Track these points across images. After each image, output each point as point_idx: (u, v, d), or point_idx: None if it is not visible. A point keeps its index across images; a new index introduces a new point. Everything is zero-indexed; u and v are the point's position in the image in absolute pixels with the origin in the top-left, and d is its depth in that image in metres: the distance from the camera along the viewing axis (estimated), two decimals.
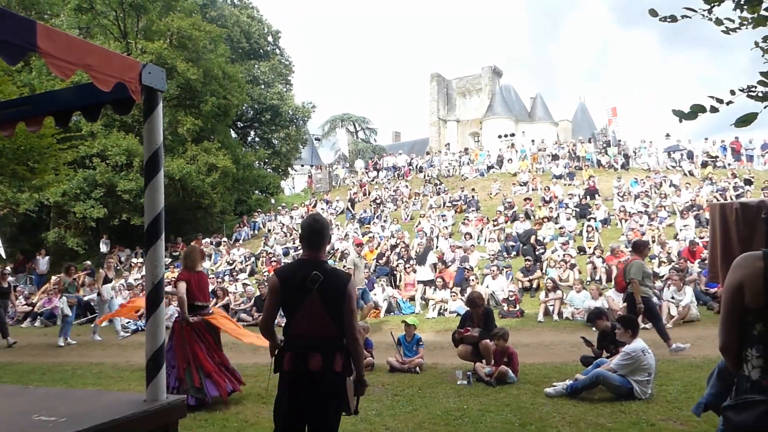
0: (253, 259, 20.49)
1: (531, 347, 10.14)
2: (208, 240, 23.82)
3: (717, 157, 25.80)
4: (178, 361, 6.54)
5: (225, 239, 24.23)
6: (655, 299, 11.80)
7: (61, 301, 13.65)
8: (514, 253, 17.43)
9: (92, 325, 14.05)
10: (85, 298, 15.91)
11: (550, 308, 12.97)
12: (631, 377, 6.36)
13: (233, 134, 35.94)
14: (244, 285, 16.37)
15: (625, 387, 6.36)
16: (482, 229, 19.64)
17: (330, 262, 10.14)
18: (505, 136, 43.76)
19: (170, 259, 20.60)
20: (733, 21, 4.00)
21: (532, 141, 34.38)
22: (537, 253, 16.40)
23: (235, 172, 27.64)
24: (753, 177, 21.84)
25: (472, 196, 24.02)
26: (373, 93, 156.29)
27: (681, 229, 16.62)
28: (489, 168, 30.09)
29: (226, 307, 15.00)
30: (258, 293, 15.13)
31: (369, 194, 28.84)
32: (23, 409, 3.61)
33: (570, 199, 21.64)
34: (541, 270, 15.28)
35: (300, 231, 3.95)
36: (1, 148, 10.41)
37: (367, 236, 20.63)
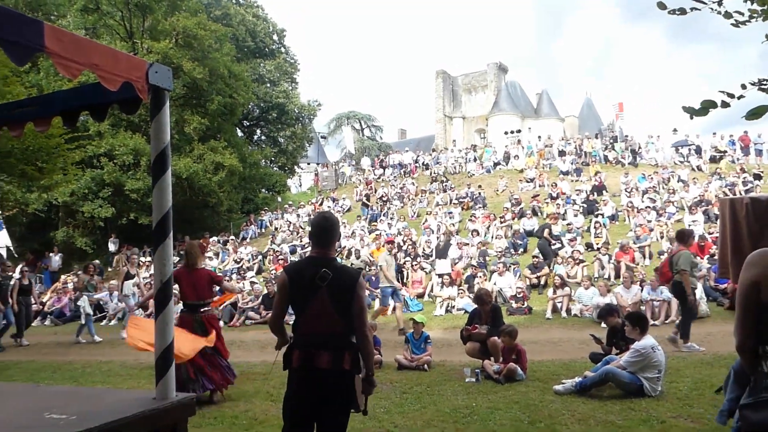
0: (260, 257, 20.52)
1: (539, 344, 10.11)
2: (215, 238, 23.88)
3: (725, 151, 25.65)
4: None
5: (232, 238, 24.27)
6: (667, 294, 11.79)
7: (82, 299, 13.72)
8: (521, 249, 17.39)
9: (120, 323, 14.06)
10: (95, 297, 15.95)
11: (559, 305, 12.93)
12: (640, 374, 6.33)
13: (239, 133, 36.01)
14: (252, 283, 16.38)
15: (634, 384, 6.32)
16: (489, 226, 19.61)
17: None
18: (512, 132, 43.64)
19: (178, 258, 20.65)
20: (742, 14, 3.97)
21: (539, 137, 34.30)
22: (552, 247, 16.31)
23: (241, 171, 27.69)
24: (762, 172, 21.68)
25: (479, 193, 23.97)
26: (379, 90, 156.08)
27: (689, 225, 16.51)
28: (495, 165, 30.03)
29: (234, 305, 15.04)
30: (265, 291, 15.14)
31: (375, 192, 28.84)
32: (34, 407, 3.63)
33: (577, 195, 21.56)
34: (553, 264, 15.11)
35: (309, 228, 3.95)
36: (10, 149, 10.47)
37: (374, 234, 20.63)
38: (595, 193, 21.72)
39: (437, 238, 18.92)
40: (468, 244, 17.61)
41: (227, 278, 17.61)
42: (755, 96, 3.59)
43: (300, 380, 3.44)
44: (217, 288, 7.86)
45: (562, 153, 28.96)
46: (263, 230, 26.25)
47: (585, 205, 20.15)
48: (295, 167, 41.65)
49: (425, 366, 8.43)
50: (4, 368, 10.21)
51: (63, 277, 20.17)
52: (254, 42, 37.40)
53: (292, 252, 20.26)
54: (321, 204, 27.91)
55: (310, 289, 3.41)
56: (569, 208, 19.79)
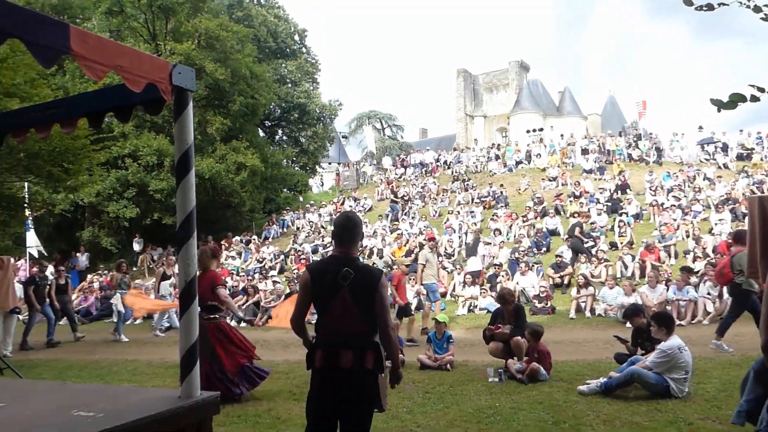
0: (282, 256, 20.63)
1: (563, 344, 10.01)
2: (238, 238, 24.07)
3: (753, 149, 25.19)
4: None
5: (254, 237, 24.44)
6: (693, 294, 11.61)
7: (115, 297, 13.92)
8: (544, 249, 17.26)
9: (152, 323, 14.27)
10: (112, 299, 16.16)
11: (582, 305, 12.81)
12: (667, 375, 6.23)
13: (261, 133, 36.21)
14: (274, 282, 16.49)
15: (661, 385, 6.23)
16: (511, 225, 19.49)
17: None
18: (534, 130, 43.32)
19: None
20: None
21: (561, 135, 34.01)
22: (585, 245, 16.15)
23: (263, 171, 27.85)
24: None
25: (501, 192, 23.85)
26: (400, 90, 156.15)
27: (716, 224, 16.26)
28: (517, 163, 29.84)
29: (256, 304, 15.14)
30: (288, 290, 15.22)
31: (397, 191, 28.83)
32: (62, 404, 3.67)
33: (601, 193, 21.33)
34: (586, 262, 14.95)
35: (332, 228, 3.95)
36: (37, 150, 10.62)
37: (395, 233, 20.62)
38: (619, 192, 21.47)
39: (459, 237, 18.87)
40: (490, 243, 17.51)
41: (249, 277, 17.73)
42: None
43: (323, 380, 3.45)
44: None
45: (585, 151, 28.68)
46: (285, 230, 26.39)
47: (609, 204, 19.94)
48: (317, 167, 41.78)
49: (448, 366, 8.39)
50: (32, 366, 10.38)
51: (89, 276, 20.46)
52: (276, 42, 37.59)
53: (314, 251, 20.33)
54: (342, 204, 27.97)
55: (332, 288, 3.41)
56: (592, 206, 19.60)
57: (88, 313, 16.85)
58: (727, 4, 3.79)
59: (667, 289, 11.95)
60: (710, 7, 3.87)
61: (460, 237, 19.15)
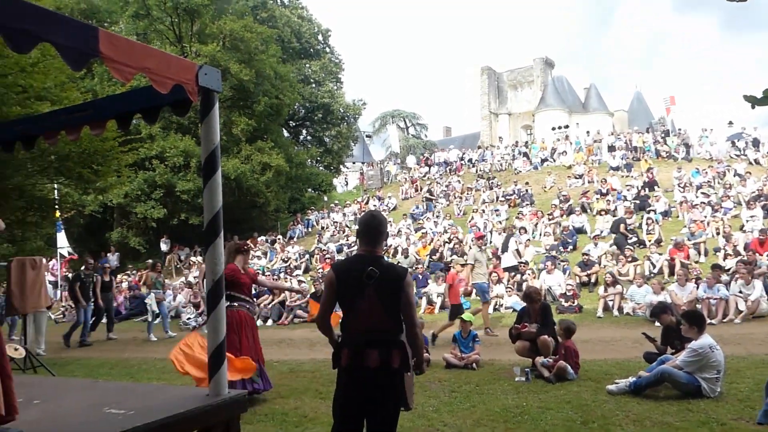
0: (307, 256, 20.72)
1: (590, 343, 9.89)
2: (263, 238, 24.23)
3: None
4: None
5: (280, 237, 24.60)
6: (724, 292, 11.39)
7: (149, 297, 14.12)
8: (570, 247, 17.07)
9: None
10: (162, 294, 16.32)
11: (610, 303, 12.64)
12: (698, 374, 6.11)
13: (286, 133, 36.46)
14: (299, 282, 16.55)
15: (692, 385, 6.11)
16: (537, 223, 19.32)
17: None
18: (559, 128, 42.92)
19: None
20: None
21: (587, 132, 33.63)
22: (630, 241, 15.86)
23: (288, 171, 28.02)
24: None
25: (526, 190, 23.66)
26: (424, 88, 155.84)
27: (747, 221, 15.92)
28: (543, 161, 29.58)
29: (282, 303, 15.22)
30: (313, 290, 15.28)
31: (420, 190, 28.79)
32: (94, 402, 3.74)
33: (628, 191, 21.04)
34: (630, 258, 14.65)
35: (357, 227, 3.95)
36: (67, 153, 10.81)
37: (420, 232, 20.58)
38: (647, 189, 21.14)
39: (485, 235, 18.78)
40: (515, 241, 17.37)
41: (275, 277, 17.86)
42: None
43: (349, 379, 3.45)
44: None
45: (611, 148, 28.30)
46: (310, 229, 26.50)
47: (636, 201, 19.65)
48: (341, 166, 41.92)
49: (474, 365, 8.35)
50: (64, 364, 10.59)
51: (119, 276, 20.78)
52: (299, 43, 37.78)
53: (339, 251, 20.39)
54: (367, 203, 28.01)
55: (357, 287, 3.41)
56: (619, 204, 19.34)
57: (117, 313, 17.10)
58: None
59: (697, 288, 11.74)
60: None
61: (484, 236, 19.03)
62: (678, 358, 6.44)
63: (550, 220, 19.22)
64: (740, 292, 11.40)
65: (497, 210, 21.81)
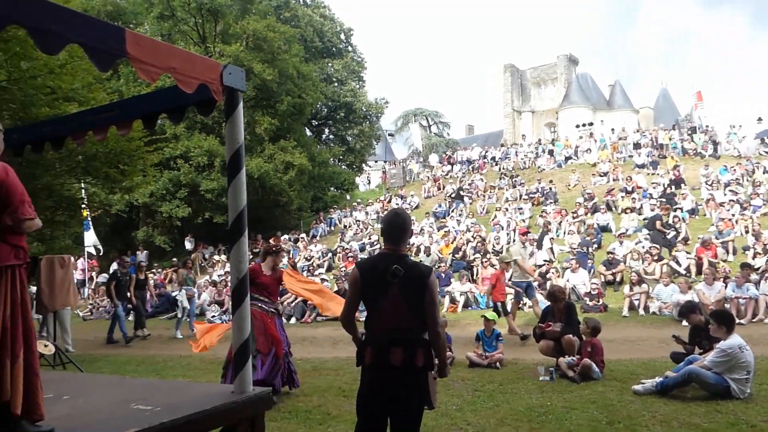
0: (330, 254, 20.79)
1: (616, 343, 9.77)
2: (286, 237, 24.36)
3: None
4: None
5: (302, 236, 24.72)
6: (754, 291, 11.18)
7: (180, 294, 14.28)
8: (595, 245, 16.88)
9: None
10: (173, 294, 16.53)
11: (636, 302, 12.48)
12: (727, 375, 6.00)
13: (308, 132, 36.58)
14: (322, 280, 16.60)
15: (720, 385, 6.01)
16: (561, 221, 19.15)
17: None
18: (583, 125, 42.44)
19: (251, 256, 21.20)
20: None
21: (612, 130, 33.23)
22: (667, 237, 15.58)
23: (311, 170, 28.13)
24: None
25: (550, 188, 23.47)
26: (446, 87, 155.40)
27: None
28: (567, 159, 29.31)
29: (305, 301, 15.27)
30: (336, 288, 15.31)
31: (443, 188, 28.71)
32: (122, 398, 3.79)
33: (654, 188, 20.75)
34: (672, 252, 14.39)
35: (380, 225, 3.94)
36: (94, 153, 10.97)
37: (443, 231, 20.53)
38: (673, 187, 20.83)
39: (507, 234, 18.68)
40: (551, 239, 17.25)
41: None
42: None
43: (373, 377, 3.45)
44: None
45: (637, 145, 27.95)
46: (333, 228, 26.59)
47: (663, 200, 19.37)
48: (363, 165, 41.95)
49: (497, 364, 8.31)
50: (92, 361, 10.77)
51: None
52: (322, 42, 37.89)
53: (362, 249, 20.42)
54: (389, 201, 28.01)
55: (381, 285, 3.40)
56: (645, 202, 19.08)
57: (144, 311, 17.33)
58: None
59: (726, 287, 11.54)
60: None
61: (508, 234, 18.93)
62: (706, 358, 6.34)
63: (574, 218, 19.04)
64: None
65: (520, 208, 21.66)
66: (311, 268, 18.80)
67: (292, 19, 34.97)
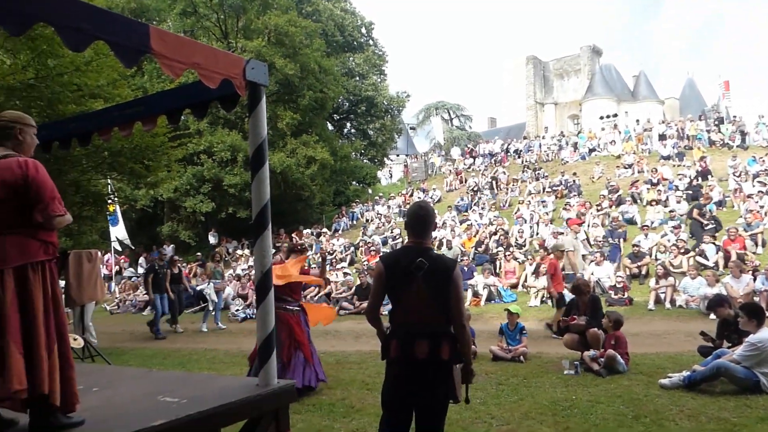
0: (352, 248, 20.83)
1: (641, 336, 9.68)
2: (308, 231, 24.47)
3: None
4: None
5: (325, 230, 24.79)
6: None
7: (209, 287, 14.41)
8: (620, 238, 16.67)
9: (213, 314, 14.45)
10: (198, 288, 16.70)
11: (662, 296, 12.32)
12: (757, 369, 5.90)
13: (330, 127, 36.63)
14: (345, 274, 16.67)
15: (750, 380, 5.91)
16: (585, 214, 18.96)
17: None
18: (607, 117, 41.89)
19: (273, 250, 21.32)
20: None
21: (637, 121, 32.77)
22: (706, 227, 15.28)
23: (332, 164, 28.18)
24: None
25: (573, 181, 23.23)
26: (468, 79, 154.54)
27: None
28: (591, 151, 28.98)
29: (328, 295, 15.37)
30: (358, 282, 15.37)
31: (465, 182, 28.58)
32: (149, 390, 3.85)
33: (680, 180, 20.43)
34: (708, 243, 14.09)
35: (405, 218, 3.94)
36: (119, 149, 11.12)
37: (465, 224, 20.45)
38: (700, 178, 20.49)
39: (531, 227, 18.55)
40: (563, 233, 17.08)
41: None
42: None
43: (398, 370, 3.45)
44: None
45: (662, 137, 27.50)
46: (355, 222, 26.63)
47: (689, 191, 19.06)
48: (385, 159, 41.92)
49: (521, 357, 8.27)
50: (119, 354, 10.94)
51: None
52: (343, 36, 37.85)
53: (384, 243, 20.43)
54: (411, 195, 27.96)
55: (406, 278, 3.39)
56: (671, 194, 18.81)
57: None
58: None
59: (755, 279, 11.33)
60: None
61: (531, 227, 18.80)
62: (735, 352, 6.24)
63: (598, 210, 18.83)
64: None
65: (544, 201, 21.48)
66: (334, 262, 18.86)
67: (313, 13, 34.99)
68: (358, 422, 5.62)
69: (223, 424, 3.55)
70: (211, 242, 25.18)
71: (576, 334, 7.98)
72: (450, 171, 31.98)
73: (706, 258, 13.79)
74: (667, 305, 12.09)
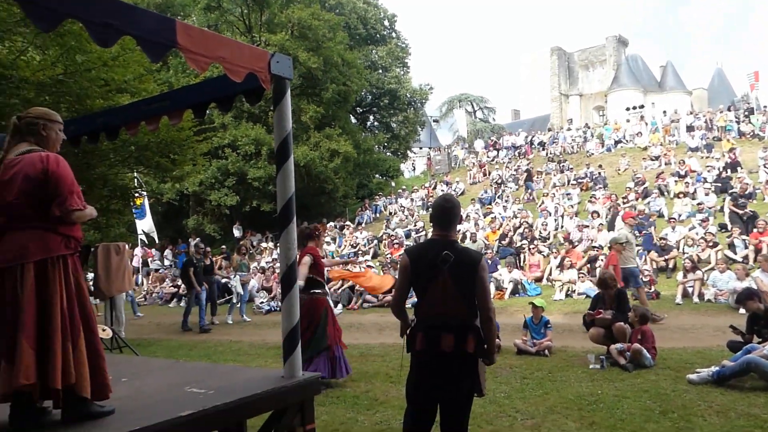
0: (375, 241, 20.86)
1: (669, 331, 9.55)
2: (332, 224, 24.55)
3: None
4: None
5: (348, 223, 24.86)
6: None
7: (235, 279, 14.57)
8: (646, 231, 16.44)
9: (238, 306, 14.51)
10: (222, 281, 16.83)
11: (689, 290, 12.13)
12: None
13: (353, 120, 36.70)
14: (368, 267, 16.69)
15: None
16: (610, 207, 18.72)
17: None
18: (633, 108, 41.32)
19: None
20: None
21: (664, 112, 32.27)
22: (744, 218, 14.79)
23: (356, 157, 28.25)
24: None
25: (599, 173, 22.96)
26: (491, 71, 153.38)
27: None
28: (616, 143, 28.61)
29: (351, 288, 15.40)
30: (381, 275, 15.36)
31: (489, 174, 28.42)
32: (175, 381, 3.90)
33: (708, 172, 20.07)
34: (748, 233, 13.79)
35: (431, 211, 3.93)
36: (146, 143, 11.25)
37: (489, 217, 20.35)
38: (729, 170, 20.10)
39: (555, 220, 18.39)
40: (588, 226, 16.91)
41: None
42: None
43: (423, 363, 3.44)
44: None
45: (690, 128, 27.03)
46: (378, 215, 26.64)
47: (718, 184, 18.71)
48: (408, 152, 41.87)
49: (546, 351, 8.22)
50: (146, 345, 11.12)
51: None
52: (366, 29, 37.81)
53: (407, 236, 20.42)
54: (434, 188, 27.90)
55: (431, 271, 3.38)
56: (699, 186, 18.48)
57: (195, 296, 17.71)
58: None
59: None
60: None
61: (555, 220, 18.64)
62: (765, 347, 6.13)
63: (624, 203, 18.59)
64: None
65: (569, 194, 21.26)
66: (357, 255, 18.91)
67: (336, 6, 35.00)
68: (382, 415, 5.63)
69: (249, 415, 3.59)
70: (235, 235, 25.40)
71: (602, 328, 7.90)
72: (473, 164, 31.84)
73: (734, 251, 13.54)
74: (695, 299, 11.91)
